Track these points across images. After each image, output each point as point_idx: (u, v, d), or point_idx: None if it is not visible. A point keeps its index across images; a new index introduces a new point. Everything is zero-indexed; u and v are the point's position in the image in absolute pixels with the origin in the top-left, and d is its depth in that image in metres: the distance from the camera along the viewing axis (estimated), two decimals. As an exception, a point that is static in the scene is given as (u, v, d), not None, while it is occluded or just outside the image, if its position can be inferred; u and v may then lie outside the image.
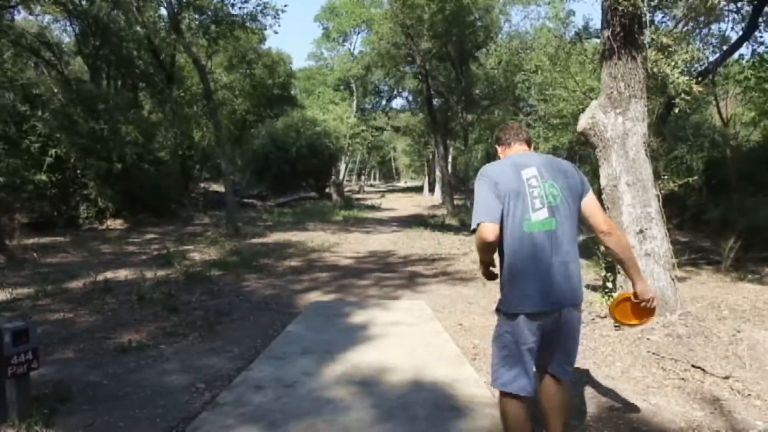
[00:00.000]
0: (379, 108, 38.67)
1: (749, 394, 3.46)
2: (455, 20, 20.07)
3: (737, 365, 3.90)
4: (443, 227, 16.57)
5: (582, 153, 15.15)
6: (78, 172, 14.72)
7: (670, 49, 5.22)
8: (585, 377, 3.82)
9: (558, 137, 14.81)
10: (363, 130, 34.32)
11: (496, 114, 25.04)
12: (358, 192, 42.68)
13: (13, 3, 15.70)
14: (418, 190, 45.29)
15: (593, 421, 3.16)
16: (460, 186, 30.28)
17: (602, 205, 5.04)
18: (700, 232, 11.95)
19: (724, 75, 13.72)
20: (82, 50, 19.90)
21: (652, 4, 5.66)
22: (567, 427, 2.58)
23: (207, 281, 7.61)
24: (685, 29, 6.80)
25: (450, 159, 30.21)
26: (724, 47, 10.58)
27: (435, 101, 25.27)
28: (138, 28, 19.20)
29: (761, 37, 10.77)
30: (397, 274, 8.47)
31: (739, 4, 9.99)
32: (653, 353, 4.19)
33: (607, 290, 5.59)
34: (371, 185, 62.36)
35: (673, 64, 5.15)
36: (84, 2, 18.93)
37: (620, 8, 4.85)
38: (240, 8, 16.93)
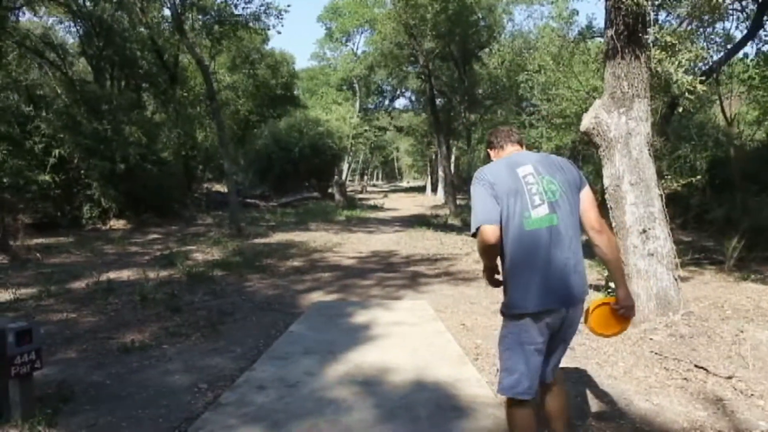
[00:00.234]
0: (382, 108, 38.67)
1: (752, 395, 3.44)
2: (458, 20, 20.06)
3: (740, 365, 3.89)
4: (446, 227, 16.57)
5: (585, 153, 15.11)
6: (81, 172, 14.78)
7: (673, 48, 5.19)
8: (587, 377, 3.81)
9: (561, 137, 14.80)
10: (366, 130, 34.40)
11: (499, 114, 25.03)
12: (361, 192, 42.73)
13: (18, 4, 15.79)
14: (421, 190, 45.28)
15: (595, 421, 3.15)
16: (462, 186, 30.21)
17: (605, 204, 5.06)
18: (703, 232, 11.91)
19: (729, 74, 13.64)
20: (85, 51, 19.98)
21: (656, 3, 5.64)
22: (570, 427, 2.57)
23: (210, 281, 7.62)
24: (689, 28, 6.77)
25: (453, 159, 30.18)
26: (729, 46, 10.52)
27: (438, 101, 25.26)
28: (141, 29, 19.27)
29: (766, 35, 10.71)
30: (399, 274, 8.47)
31: (744, 3, 9.94)
32: (656, 353, 4.18)
33: (609, 290, 5.57)
34: (374, 185, 62.37)
35: (676, 63, 5.12)
36: (88, 3, 19.01)
37: (624, 7, 4.83)
38: (243, 8, 17.01)
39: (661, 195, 5.06)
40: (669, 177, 8.63)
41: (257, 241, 12.49)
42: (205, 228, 15.32)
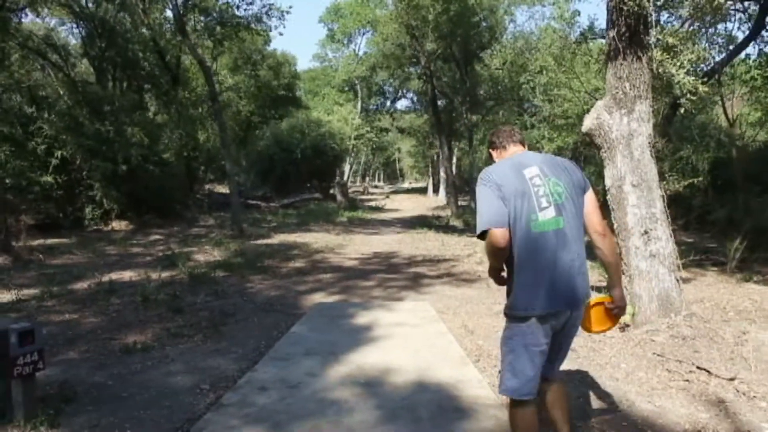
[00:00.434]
0: (383, 109, 38.68)
1: (754, 396, 3.44)
2: (460, 21, 20.07)
3: (743, 367, 3.88)
4: (447, 228, 16.57)
5: (587, 154, 15.12)
6: (84, 173, 14.80)
7: (675, 49, 5.18)
8: (589, 379, 3.81)
9: (563, 138, 14.80)
10: (367, 131, 34.39)
11: (500, 114, 25.01)
12: (363, 193, 42.72)
13: (21, 6, 15.83)
14: (423, 191, 45.26)
15: (597, 423, 3.14)
16: (464, 187, 30.26)
17: (607, 205, 5.05)
18: (705, 233, 11.90)
19: (731, 75, 13.61)
20: (88, 52, 20.02)
21: (658, 4, 5.63)
22: (572, 428, 2.58)
23: (212, 282, 7.63)
24: (690, 29, 6.76)
25: (454, 160, 30.23)
26: (731, 47, 10.50)
27: (439, 102, 25.26)
28: (144, 30, 19.30)
29: (768, 36, 10.69)
30: (401, 275, 8.47)
31: (746, 4, 9.93)
32: (658, 355, 4.17)
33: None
34: (375, 186, 62.35)
35: (678, 64, 5.11)
36: (90, 5, 19.05)
37: (625, 8, 4.82)
38: (245, 10, 17.03)
39: (663, 196, 5.05)
40: (671, 178, 8.62)
41: (259, 242, 12.50)
42: (206, 229, 15.34)
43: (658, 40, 5.11)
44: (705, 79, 6.62)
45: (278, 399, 3.50)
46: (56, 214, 14.61)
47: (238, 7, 16.75)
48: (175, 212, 17.80)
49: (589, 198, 2.41)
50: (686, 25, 7.05)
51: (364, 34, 33.78)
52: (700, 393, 3.52)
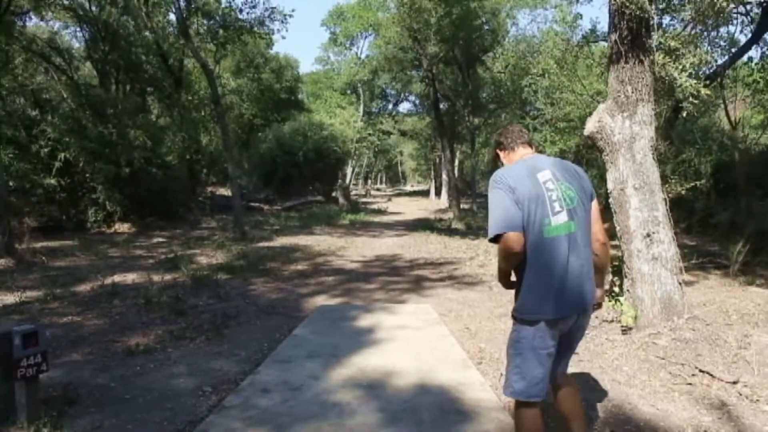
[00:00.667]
0: (385, 112, 38.78)
1: (757, 400, 3.43)
2: (462, 24, 20.09)
3: (745, 370, 3.87)
4: (450, 231, 16.55)
5: (589, 157, 15.09)
6: (87, 176, 14.85)
7: (677, 52, 5.18)
8: (592, 382, 3.81)
9: (565, 141, 14.81)
10: (370, 134, 34.40)
11: (503, 118, 25.03)
12: (365, 196, 42.75)
13: (25, 9, 15.91)
14: (425, 194, 45.27)
15: (600, 427, 3.14)
16: (466, 190, 30.29)
17: (609, 208, 5.05)
18: (708, 236, 11.88)
19: (733, 78, 13.60)
20: (91, 55, 20.09)
21: (660, 7, 5.64)
22: (588, 425, 2.61)
23: (214, 285, 7.64)
24: (693, 32, 6.76)
25: (457, 163, 30.23)
26: (733, 50, 10.50)
27: (442, 105, 25.29)
28: (147, 34, 19.38)
29: (771, 39, 10.67)
30: (403, 278, 8.47)
31: (748, 7, 9.92)
32: (660, 358, 4.17)
33: (613, 294, 5.56)
34: (378, 189, 62.41)
35: (680, 67, 5.11)
36: (94, 8, 19.13)
37: (627, 12, 4.83)
38: (248, 13, 17.07)
39: (665, 199, 5.05)
40: (673, 181, 8.60)
41: (261, 244, 12.51)
42: (209, 231, 15.35)
43: (660, 43, 5.12)
44: (707, 82, 6.60)
45: (280, 401, 3.51)
46: (59, 217, 14.66)
47: (240, 11, 16.78)
48: (178, 215, 17.84)
49: (594, 206, 2.44)
50: (688, 28, 7.05)
51: (366, 37, 33.93)
52: (702, 396, 3.52)
